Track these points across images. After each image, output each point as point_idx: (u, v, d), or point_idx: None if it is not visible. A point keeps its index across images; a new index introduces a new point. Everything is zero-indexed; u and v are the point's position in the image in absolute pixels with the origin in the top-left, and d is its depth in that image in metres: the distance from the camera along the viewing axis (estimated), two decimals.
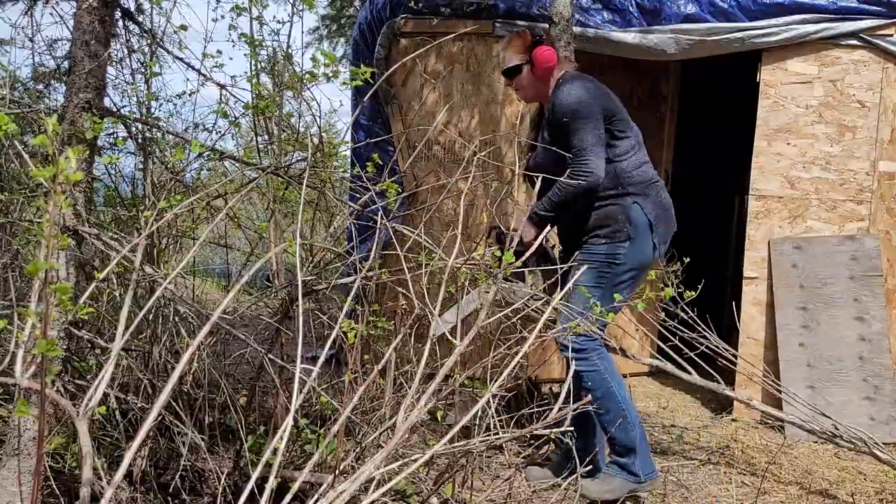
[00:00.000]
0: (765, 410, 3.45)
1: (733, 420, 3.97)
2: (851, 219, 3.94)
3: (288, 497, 1.06)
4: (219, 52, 2.62)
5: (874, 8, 3.83)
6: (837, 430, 3.13)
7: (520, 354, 1.48)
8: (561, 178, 2.69)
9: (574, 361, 2.69)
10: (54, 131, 0.98)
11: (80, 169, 2.09)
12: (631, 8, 4.11)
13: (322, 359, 1.47)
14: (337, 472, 1.72)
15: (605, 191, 2.73)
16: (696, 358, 3.44)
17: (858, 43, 3.89)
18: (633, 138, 2.84)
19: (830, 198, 3.97)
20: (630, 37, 4.11)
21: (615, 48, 4.19)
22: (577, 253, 2.82)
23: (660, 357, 3.56)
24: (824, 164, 3.97)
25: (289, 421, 1.03)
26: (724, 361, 3.55)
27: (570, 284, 2.62)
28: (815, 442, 3.55)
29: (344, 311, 1.68)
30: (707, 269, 3.99)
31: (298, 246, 1.70)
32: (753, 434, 3.76)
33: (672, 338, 3.52)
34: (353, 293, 1.75)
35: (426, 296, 2.16)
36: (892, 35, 3.85)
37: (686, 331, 3.54)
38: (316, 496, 1.13)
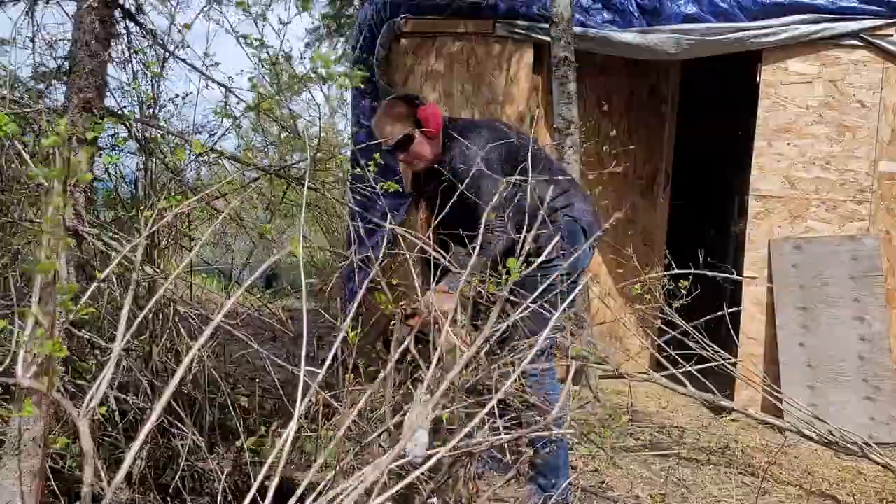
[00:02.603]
0: (762, 419, 3.46)
1: (733, 420, 3.98)
2: (851, 219, 3.94)
3: (293, 499, 1.06)
4: (213, 53, 2.62)
5: (874, 8, 3.83)
6: (833, 435, 3.14)
7: (519, 368, 1.48)
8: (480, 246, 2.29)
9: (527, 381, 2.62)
10: (66, 131, 0.98)
11: (80, 169, 2.09)
12: (631, 8, 4.11)
13: (328, 361, 1.47)
14: (337, 469, 1.72)
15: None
16: (695, 359, 3.44)
17: (858, 43, 3.89)
18: (537, 160, 2.63)
19: (830, 198, 3.97)
20: (630, 37, 4.11)
21: (615, 48, 4.19)
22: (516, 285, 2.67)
23: (660, 358, 3.56)
24: (824, 164, 3.98)
25: (292, 427, 1.03)
26: (724, 364, 3.55)
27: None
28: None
29: (349, 317, 1.68)
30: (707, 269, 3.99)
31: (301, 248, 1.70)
32: (753, 434, 3.77)
33: (668, 349, 3.52)
34: (358, 297, 1.75)
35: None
36: (892, 35, 3.85)
37: (687, 330, 3.53)
38: (315, 494, 1.14)
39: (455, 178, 2.57)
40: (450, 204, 2.45)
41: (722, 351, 3.55)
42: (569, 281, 2.70)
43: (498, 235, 2.51)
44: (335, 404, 2.17)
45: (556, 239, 2.59)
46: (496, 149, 2.60)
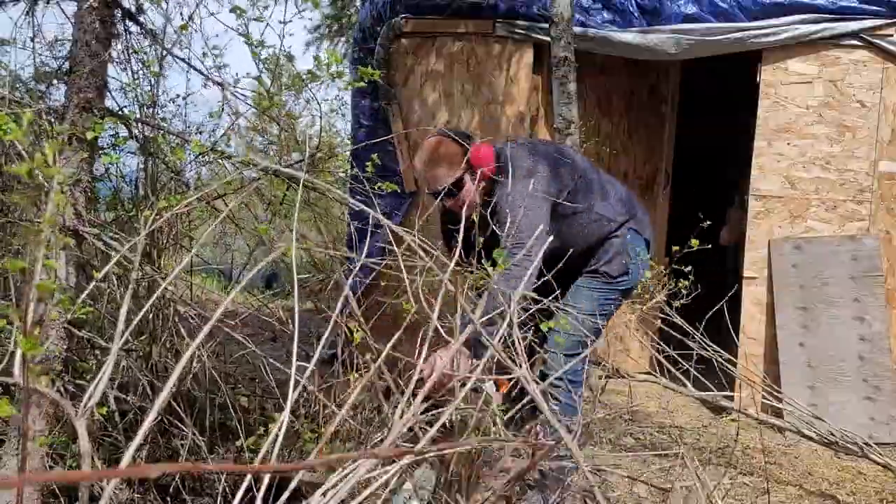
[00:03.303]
0: (762, 419, 3.46)
1: (733, 420, 3.97)
2: (851, 219, 3.94)
3: (286, 494, 1.07)
4: (216, 47, 2.63)
5: (874, 8, 3.83)
6: (833, 435, 3.14)
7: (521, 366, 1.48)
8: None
9: (559, 390, 2.58)
10: (70, 135, 0.98)
11: (80, 169, 2.09)
12: (631, 8, 4.11)
13: (315, 357, 1.47)
14: (329, 464, 1.72)
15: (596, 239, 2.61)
16: (695, 359, 3.44)
17: (858, 43, 3.89)
18: (590, 198, 2.59)
19: (830, 198, 3.97)
20: (630, 37, 4.11)
21: (615, 48, 4.19)
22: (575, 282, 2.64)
23: (660, 358, 3.56)
24: (824, 164, 3.97)
25: (284, 418, 1.04)
26: (724, 364, 3.55)
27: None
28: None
29: (338, 309, 1.68)
30: (708, 269, 3.99)
31: (294, 248, 1.70)
32: (753, 434, 3.76)
33: (668, 348, 3.52)
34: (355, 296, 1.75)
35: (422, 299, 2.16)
36: (892, 35, 3.85)
37: (687, 331, 3.53)
38: (296, 479, 1.14)
39: (494, 216, 2.39)
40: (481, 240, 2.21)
41: (722, 351, 3.55)
42: (624, 292, 2.71)
43: (518, 274, 2.27)
44: (324, 399, 2.17)
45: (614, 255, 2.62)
46: (544, 182, 2.42)
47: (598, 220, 2.65)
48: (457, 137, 2.49)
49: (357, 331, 2.05)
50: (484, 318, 1.87)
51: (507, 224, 2.28)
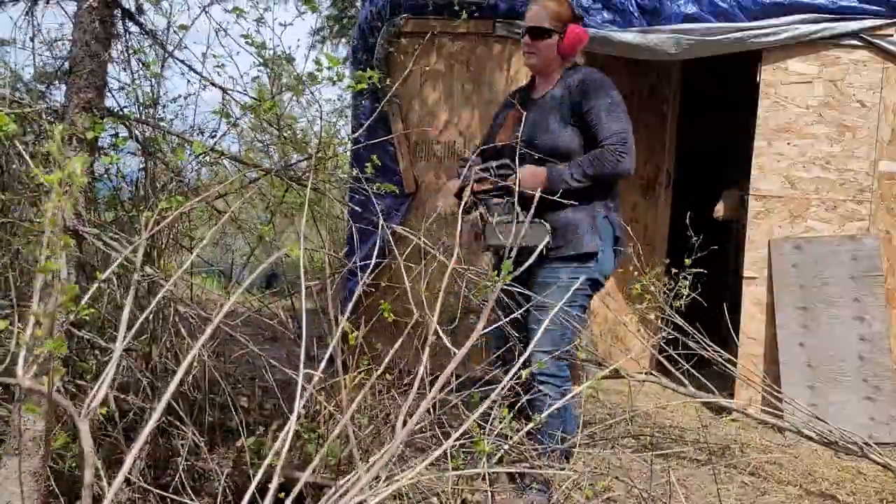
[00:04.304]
0: (762, 419, 3.46)
1: (733, 420, 3.98)
2: (851, 219, 3.94)
3: (289, 500, 1.06)
4: (216, 56, 2.63)
5: (874, 8, 3.83)
6: (833, 435, 3.14)
7: (521, 360, 1.48)
8: (597, 152, 2.57)
9: (544, 385, 2.64)
10: (62, 136, 0.98)
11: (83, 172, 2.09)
12: (631, 8, 4.11)
13: (324, 362, 1.47)
14: (338, 470, 1.72)
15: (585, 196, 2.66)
16: (696, 359, 3.44)
17: (858, 43, 3.89)
18: None
19: (830, 198, 3.97)
20: (630, 37, 4.11)
21: (615, 48, 4.19)
22: (540, 271, 2.69)
23: (660, 358, 3.56)
24: (824, 164, 3.98)
25: (291, 426, 1.04)
26: (724, 364, 3.55)
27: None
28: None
29: (346, 315, 1.68)
30: (709, 269, 3.99)
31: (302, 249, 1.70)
32: (753, 434, 3.77)
33: (667, 348, 3.52)
34: (355, 296, 1.75)
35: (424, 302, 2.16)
36: (892, 35, 3.85)
37: (687, 331, 3.53)
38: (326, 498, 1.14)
39: (579, 95, 2.65)
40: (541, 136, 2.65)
41: (722, 350, 3.55)
42: (594, 289, 2.73)
43: (615, 158, 2.56)
44: (329, 407, 2.17)
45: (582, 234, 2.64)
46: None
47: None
48: (573, 9, 2.80)
49: (352, 332, 2.05)
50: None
51: (607, 125, 2.59)
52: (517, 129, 2.72)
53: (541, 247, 2.42)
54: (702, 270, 3.53)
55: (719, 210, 4.96)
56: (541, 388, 2.63)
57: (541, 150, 2.66)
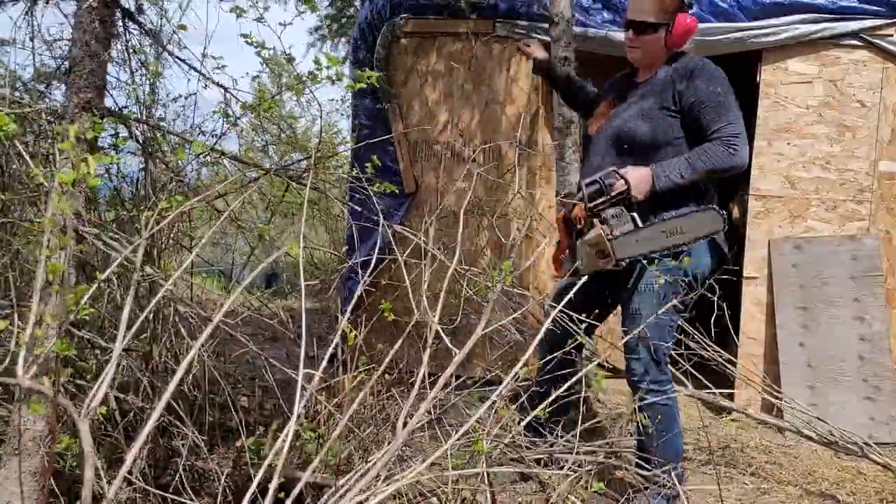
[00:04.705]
0: (762, 419, 3.46)
1: (733, 420, 3.98)
2: (851, 219, 3.94)
3: (290, 500, 1.06)
4: (220, 57, 2.63)
5: (874, 8, 3.83)
6: (833, 435, 3.14)
7: (525, 355, 1.48)
8: (707, 146, 2.43)
9: (650, 394, 2.58)
10: (76, 137, 0.98)
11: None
12: None
13: (324, 362, 1.47)
14: (338, 470, 1.72)
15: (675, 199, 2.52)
16: (696, 359, 3.44)
17: (858, 43, 3.89)
18: None
19: (830, 198, 3.97)
20: None
21: (616, 48, 4.19)
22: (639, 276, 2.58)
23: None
24: (824, 164, 3.98)
25: (291, 426, 1.04)
26: (724, 364, 3.55)
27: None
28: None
29: (346, 316, 1.69)
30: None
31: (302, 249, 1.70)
32: (753, 434, 3.77)
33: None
34: (355, 296, 1.75)
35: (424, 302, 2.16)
36: (892, 35, 3.85)
37: (687, 330, 3.53)
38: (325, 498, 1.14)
39: (689, 85, 2.50)
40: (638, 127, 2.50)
41: (722, 351, 3.55)
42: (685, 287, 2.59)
43: (727, 151, 2.43)
44: (331, 408, 2.18)
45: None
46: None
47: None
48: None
49: (352, 332, 2.05)
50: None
51: (717, 115, 2.46)
52: (612, 120, 2.59)
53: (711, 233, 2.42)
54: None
55: (734, 212, 4.97)
56: (646, 396, 2.59)
57: (636, 140, 2.52)
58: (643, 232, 2.43)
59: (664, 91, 2.55)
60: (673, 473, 2.55)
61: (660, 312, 2.46)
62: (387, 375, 2.73)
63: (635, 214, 2.45)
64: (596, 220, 2.44)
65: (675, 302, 2.49)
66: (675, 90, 2.53)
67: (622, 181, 2.43)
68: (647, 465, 2.66)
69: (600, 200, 2.45)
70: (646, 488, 2.63)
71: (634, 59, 2.71)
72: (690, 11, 3.96)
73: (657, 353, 2.58)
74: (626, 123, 2.57)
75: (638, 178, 2.44)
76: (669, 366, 2.68)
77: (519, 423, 2.51)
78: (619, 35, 4.12)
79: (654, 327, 2.52)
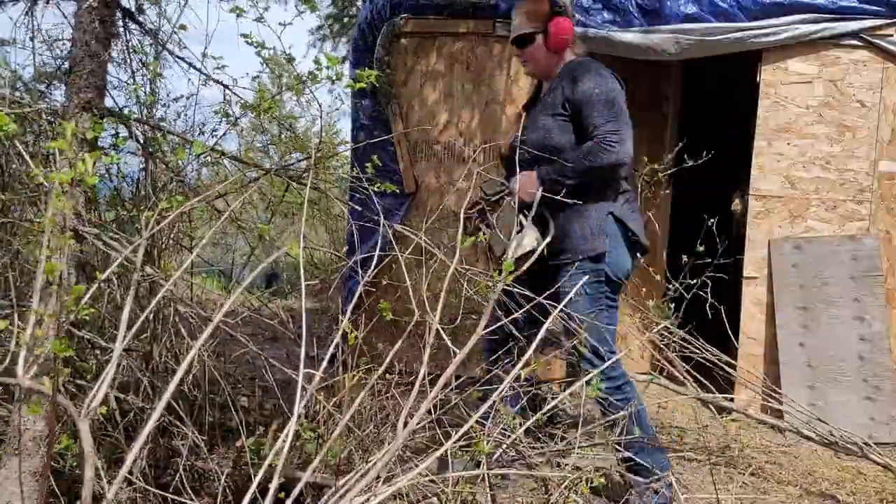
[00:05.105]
0: (762, 419, 3.46)
1: (733, 420, 3.98)
2: (851, 219, 3.94)
3: (290, 500, 1.06)
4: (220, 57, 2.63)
5: (874, 8, 3.83)
6: (833, 435, 3.14)
7: (524, 358, 1.48)
8: (587, 146, 2.53)
9: (608, 392, 2.60)
10: (73, 135, 0.98)
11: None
12: (631, 8, 4.11)
13: (325, 362, 1.47)
14: (338, 470, 1.72)
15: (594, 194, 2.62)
16: (696, 360, 3.44)
17: (858, 43, 3.89)
18: None
19: (830, 198, 3.97)
20: (630, 37, 4.10)
21: (615, 48, 4.19)
22: (561, 272, 2.68)
23: (660, 359, 3.56)
24: (824, 164, 3.98)
25: (291, 426, 1.04)
26: (723, 366, 3.56)
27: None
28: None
29: (348, 314, 1.68)
30: (710, 269, 3.99)
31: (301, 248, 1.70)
32: (753, 434, 3.76)
33: (667, 350, 3.52)
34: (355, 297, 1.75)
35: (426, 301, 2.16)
36: (892, 35, 3.85)
37: (688, 329, 3.53)
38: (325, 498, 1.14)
39: (572, 93, 2.60)
40: (540, 130, 2.64)
41: (721, 354, 3.55)
42: (615, 288, 2.68)
43: (608, 150, 2.52)
44: (332, 409, 2.18)
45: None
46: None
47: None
48: (552, 3, 2.70)
49: (352, 332, 2.05)
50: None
51: (596, 114, 2.55)
52: (525, 132, 2.71)
53: (540, 248, 2.43)
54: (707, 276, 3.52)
55: (737, 205, 4.95)
56: (607, 394, 2.61)
57: (534, 148, 2.64)
58: (525, 231, 2.56)
59: (556, 97, 2.68)
60: (658, 468, 2.63)
61: (587, 312, 2.58)
62: (387, 375, 2.73)
63: (522, 217, 2.59)
64: (483, 224, 2.68)
65: (600, 298, 2.64)
66: (563, 94, 2.65)
67: (507, 187, 2.67)
68: (640, 466, 2.68)
69: (484, 204, 2.70)
70: (638, 488, 2.66)
71: (532, 74, 2.88)
72: (690, 11, 3.98)
73: (598, 352, 2.62)
74: (531, 134, 2.70)
75: (523, 182, 2.60)
76: (621, 363, 2.73)
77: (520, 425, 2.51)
78: (620, 35, 4.12)
79: (590, 328, 2.59)
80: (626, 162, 2.57)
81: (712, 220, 3.63)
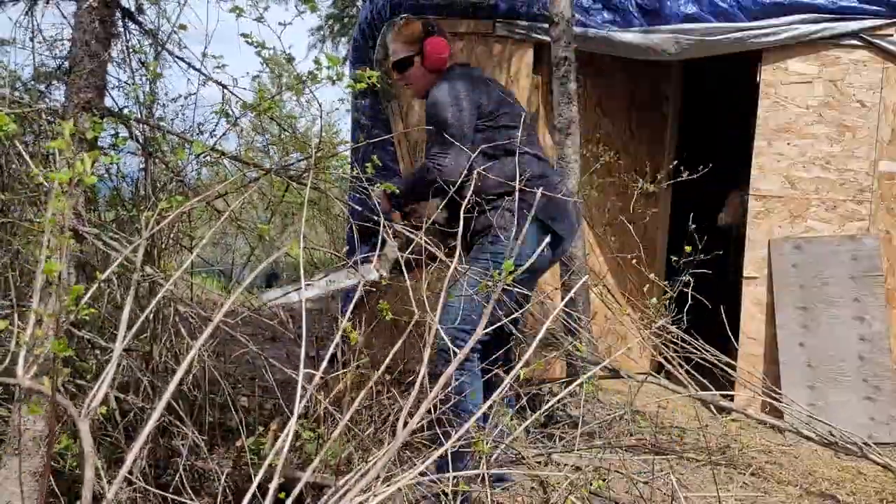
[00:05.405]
0: (762, 419, 3.46)
1: (733, 420, 3.98)
2: (851, 219, 3.94)
3: (290, 500, 1.07)
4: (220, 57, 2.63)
5: (874, 8, 3.83)
6: (833, 435, 3.14)
7: (523, 359, 1.48)
8: (418, 166, 2.65)
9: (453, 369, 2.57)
10: (71, 134, 0.98)
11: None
12: (631, 8, 4.11)
13: (325, 362, 1.47)
14: (338, 470, 1.72)
15: (489, 191, 2.62)
16: (696, 360, 3.44)
17: (858, 43, 3.89)
18: (518, 132, 2.69)
19: (830, 198, 3.97)
20: (631, 37, 4.11)
21: (616, 48, 4.19)
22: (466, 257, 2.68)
23: (660, 359, 3.56)
24: (824, 164, 3.98)
25: (291, 426, 1.04)
26: (723, 366, 3.56)
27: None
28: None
29: (347, 315, 1.68)
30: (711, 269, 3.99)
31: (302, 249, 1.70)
32: (753, 434, 3.76)
33: (668, 350, 3.52)
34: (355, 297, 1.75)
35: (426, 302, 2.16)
36: (892, 35, 3.85)
37: (688, 330, 3.53)
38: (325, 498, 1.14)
39: (426, 111, 2.68)
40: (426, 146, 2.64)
41: (721, 354, 3.55)
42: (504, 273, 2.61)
43: (432, 170, 2.57)
44: (332, 409, 2.18)
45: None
46: (472, 98, 2.65)
47: (532, 158, 2.71)
48: (424, 25, 2.79)
49: (353, 332, 2.05)
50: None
51: (429, 133, 2.61)
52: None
53: (339, 286, 2.49)
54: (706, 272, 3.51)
55: (722, 218, 4.96)
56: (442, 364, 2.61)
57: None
58: (387, 246, 2.64)
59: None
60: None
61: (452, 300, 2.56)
62: (387, 375, 2.72)
63: (385, 236, 2.63)
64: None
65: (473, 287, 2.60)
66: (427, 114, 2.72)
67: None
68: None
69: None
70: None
71: (417, 95, 2.93)
72: (690, 11, 3.98)
73: (452, 339, 2.55)
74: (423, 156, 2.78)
75: (381, 200, 2.70)
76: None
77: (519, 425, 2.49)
78: (620, 35, 4.12)
79: (446, 315, 2.57)
80: (450, 179, 2.58)
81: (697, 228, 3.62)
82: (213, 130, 2.92)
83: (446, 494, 1.91)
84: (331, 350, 1.53)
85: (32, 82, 2.86)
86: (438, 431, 2.25)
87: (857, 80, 3.92)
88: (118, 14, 2.47)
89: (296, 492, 1.20)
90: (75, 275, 2.22)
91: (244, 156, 2.87)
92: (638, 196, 4.27)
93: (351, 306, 2.06)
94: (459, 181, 2.56)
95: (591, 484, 2.72)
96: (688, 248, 3.41)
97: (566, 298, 2.58)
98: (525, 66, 4.30)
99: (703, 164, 4.12)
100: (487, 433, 2.32)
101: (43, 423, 1.98)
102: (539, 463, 3.04)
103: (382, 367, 1.86)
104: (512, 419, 2.45)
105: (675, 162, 4.35)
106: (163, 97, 2.89)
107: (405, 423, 1.43)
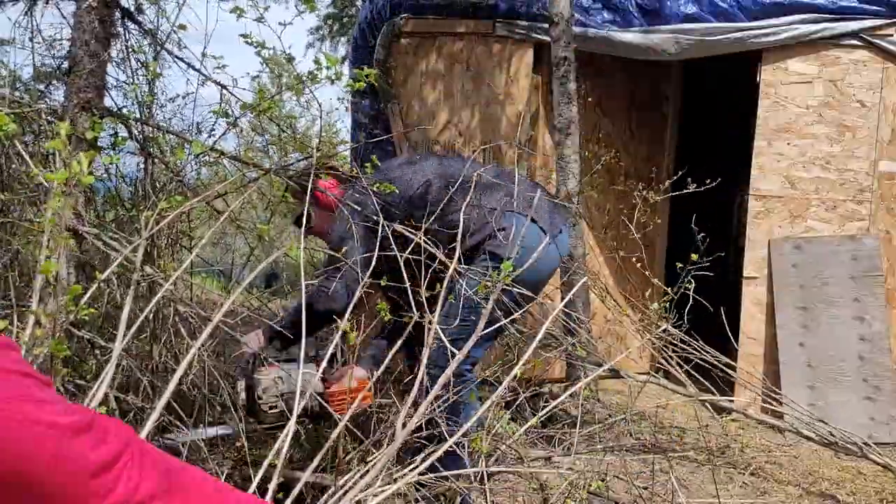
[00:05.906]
0: (762, 419, 3.46)
1: (733, 420, 3.98)
2: (851, 219, 3.94)
3: (290, 500, 1.06)
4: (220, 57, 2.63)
5: (874, 8, 3.83)
6: (833, 435, 3.14)
7: (521, 360, 1.48)
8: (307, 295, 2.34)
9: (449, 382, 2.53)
10: (67, 135, 0.98)
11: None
12: (631, 8, 4.11)
13: (324, 362, 1.47)
14: (338, 470, 1.72)
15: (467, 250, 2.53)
16: (696, 360, 3.44)
17: (858, 43, 3.89)
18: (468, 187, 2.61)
19: (830, 198, 3.97)
20: (630, 37, 4.11)
21: (616, 48, 4.19)
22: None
23: (660, 359, 3.56)
24: (824, 164, 3.98)
25: (291, 426, 1.04)
26: (723, 366, 3.56)
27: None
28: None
29: (347, 316, 1.69)
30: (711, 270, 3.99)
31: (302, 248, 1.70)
32: (753, 434, 3.76)
33: (667, 351, 3.51)
34: (354, 298, 1.75)
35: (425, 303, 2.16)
36: (892, 35, 3.85)
37: (688, 330, 3.53)
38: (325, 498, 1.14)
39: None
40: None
41: (720, 355, 3.55)
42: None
43: (315, 303, 2.48)
44: (331, 409, 2.17)
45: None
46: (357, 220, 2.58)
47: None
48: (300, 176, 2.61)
49: (352, 331, 2.05)
50: None
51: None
52: None
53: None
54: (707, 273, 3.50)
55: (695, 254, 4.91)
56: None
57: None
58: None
59: None
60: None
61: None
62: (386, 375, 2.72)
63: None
64: None
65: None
66: None
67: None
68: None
69: None
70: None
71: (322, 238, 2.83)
72: (690, 11, 3.98)
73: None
74: None
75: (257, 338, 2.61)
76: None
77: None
78: (620, 35, 4.12)
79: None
80: (332, 311, 2.49)
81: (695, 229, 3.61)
82: (213, 130, 2.92)
83: (445, 496, 1.91)
84: (330, 350, 1.53)
85: (32, 82, 2.86)
86: (434, 432, 2.24)
87: (857, 80, 3.92)
88: (118, 14, 2.47)
89: (295, 492, 1.20)
90: (75, 275, 2.22)
91: (244, 156, 2.87)
92: (638, 198, 4.26)
93: (351, 306, 2.05)
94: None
95: (590, 485, 2.72)
96: (694, 256, 3.40)
97: (566, 299, 2.57)
98: (525, 66, 4.30)
99: (702, 164, 4.12)
100: (487, 434, 2.32)
101: None
102: (539, 463, 3.04)
103: (382, 368, 1.86)
104: (511, 420, 2.44)
105: (679, 173, 4.34)
106: (162, 97, 2.89)
107: (404, 424, 1.43)
